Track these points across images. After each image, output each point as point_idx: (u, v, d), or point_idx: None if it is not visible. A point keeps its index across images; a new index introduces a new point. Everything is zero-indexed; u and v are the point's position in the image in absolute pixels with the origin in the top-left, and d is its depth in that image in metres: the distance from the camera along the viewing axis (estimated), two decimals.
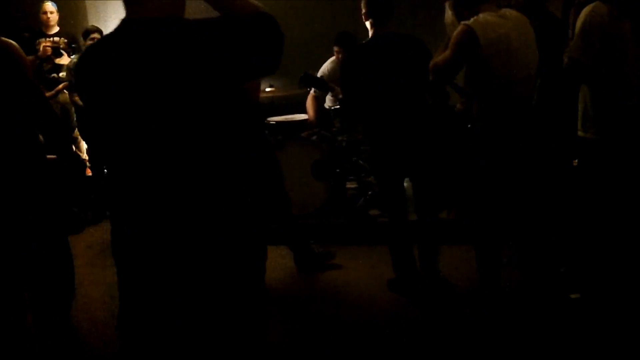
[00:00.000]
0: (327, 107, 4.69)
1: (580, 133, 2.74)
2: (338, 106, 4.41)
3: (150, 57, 1.27)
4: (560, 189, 3.10)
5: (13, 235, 2.30)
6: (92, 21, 5.99)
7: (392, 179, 3.13)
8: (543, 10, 3.08)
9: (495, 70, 2.57)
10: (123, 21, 1.34)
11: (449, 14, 2.77)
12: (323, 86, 4.05)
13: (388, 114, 2.99)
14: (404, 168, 3.10)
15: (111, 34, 1.36)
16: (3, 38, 2.58)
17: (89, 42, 5.12)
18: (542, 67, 2.77)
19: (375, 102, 2.99)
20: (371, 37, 3.04)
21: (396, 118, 2.98)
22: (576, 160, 3.12)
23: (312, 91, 4.70)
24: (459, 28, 2.58)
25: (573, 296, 2.90)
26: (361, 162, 4.48)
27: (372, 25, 3.02)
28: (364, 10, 3.01)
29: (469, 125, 2.77)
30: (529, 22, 2.67)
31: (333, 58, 4.77)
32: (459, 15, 2.66)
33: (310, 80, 4.02)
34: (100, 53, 1.35)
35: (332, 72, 4.67)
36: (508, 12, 2.63)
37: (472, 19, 2.56)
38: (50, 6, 5.37)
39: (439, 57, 2.68)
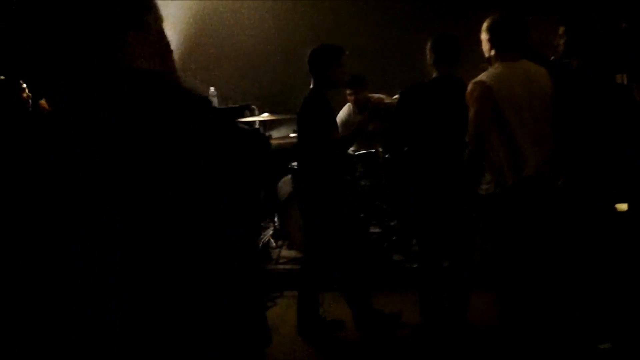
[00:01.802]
0: (350, 152, 4.76)
1: None
2: (363, 151, 4.50)
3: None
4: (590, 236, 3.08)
5: None
6: None
7: (432, 222, 3.12)
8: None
9: None
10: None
11: None
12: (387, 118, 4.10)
13: (432, 155, 3.02)
14: (444, 211, 3.08)
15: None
16: None
17: None
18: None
19: (422, 141, 3.03)
20: (433, 77, 3.08)
21: (439, 160, 3.00)
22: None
23: None
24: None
25: (602, 346, 2.87)
26: (384, 206, 4.51)
27: (434, 66, 3.05)
28: (428, 50, 3.06)
29: None
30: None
31: (348, 104, 4.80)
32: None
33: (378, 113, 4.13)
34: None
35: (347, 117, 4.72)
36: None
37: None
38: None
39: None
